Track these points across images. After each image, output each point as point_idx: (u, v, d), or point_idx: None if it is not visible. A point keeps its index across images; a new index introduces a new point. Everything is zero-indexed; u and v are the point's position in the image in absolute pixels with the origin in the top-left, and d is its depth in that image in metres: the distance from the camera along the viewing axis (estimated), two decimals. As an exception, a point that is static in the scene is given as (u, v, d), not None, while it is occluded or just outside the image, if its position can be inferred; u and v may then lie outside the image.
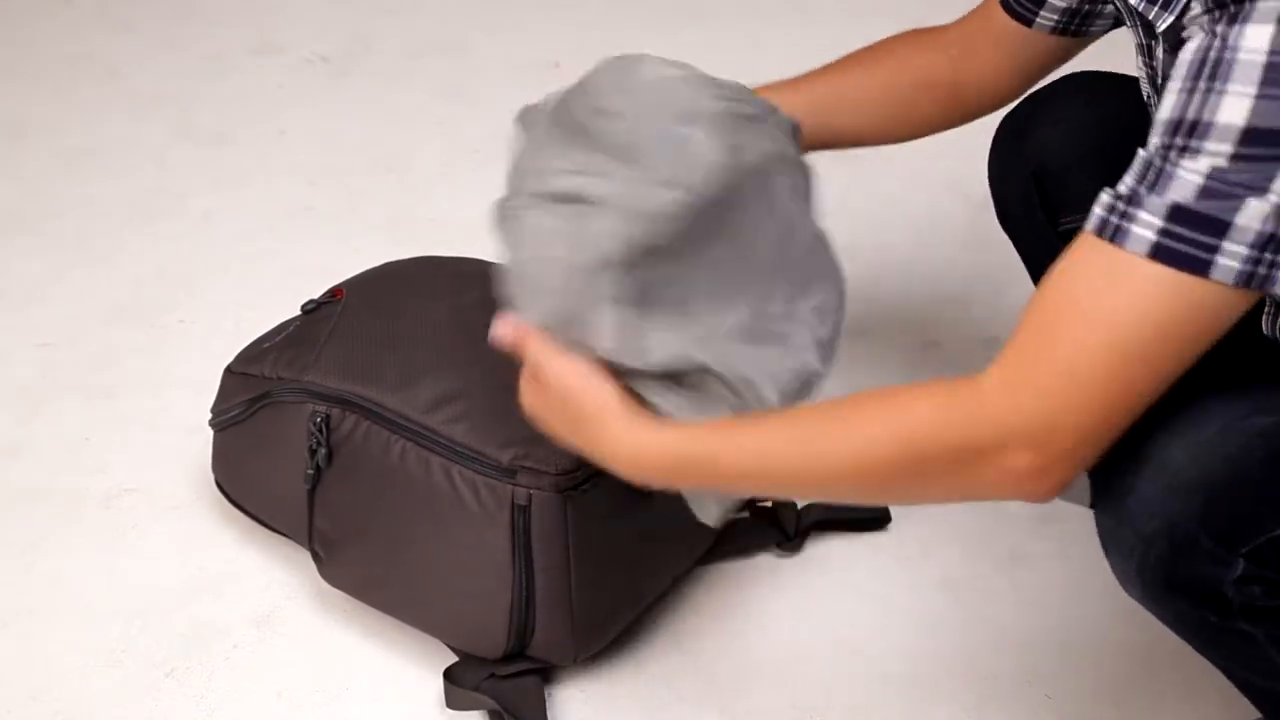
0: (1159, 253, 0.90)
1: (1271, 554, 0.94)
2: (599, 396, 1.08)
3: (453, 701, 1.29)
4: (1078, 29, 1.30)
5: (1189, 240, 0.89)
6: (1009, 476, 0.95)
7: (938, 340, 1.74)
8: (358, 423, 1.30)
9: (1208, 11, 0.90)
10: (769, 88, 1.36)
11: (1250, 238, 0.88)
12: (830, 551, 1.47)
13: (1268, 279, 0.89)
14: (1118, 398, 0.93)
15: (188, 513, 1.51)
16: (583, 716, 1.31)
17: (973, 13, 1.36)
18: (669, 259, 1.12)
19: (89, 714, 1.31)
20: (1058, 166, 1.32)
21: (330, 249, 1.88)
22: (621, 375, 1.10)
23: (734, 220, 1.16)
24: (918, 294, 1.82)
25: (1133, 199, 0.91)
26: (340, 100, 2.28)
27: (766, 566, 1.45)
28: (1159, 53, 1.05)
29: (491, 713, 1.27)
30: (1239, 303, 0.91)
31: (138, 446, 1.60)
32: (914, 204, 1.97)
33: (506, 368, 1.15)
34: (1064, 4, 1.28)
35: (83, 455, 1.60)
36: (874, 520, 1.49)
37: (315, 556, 1.37)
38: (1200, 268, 0.89)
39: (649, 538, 1.32)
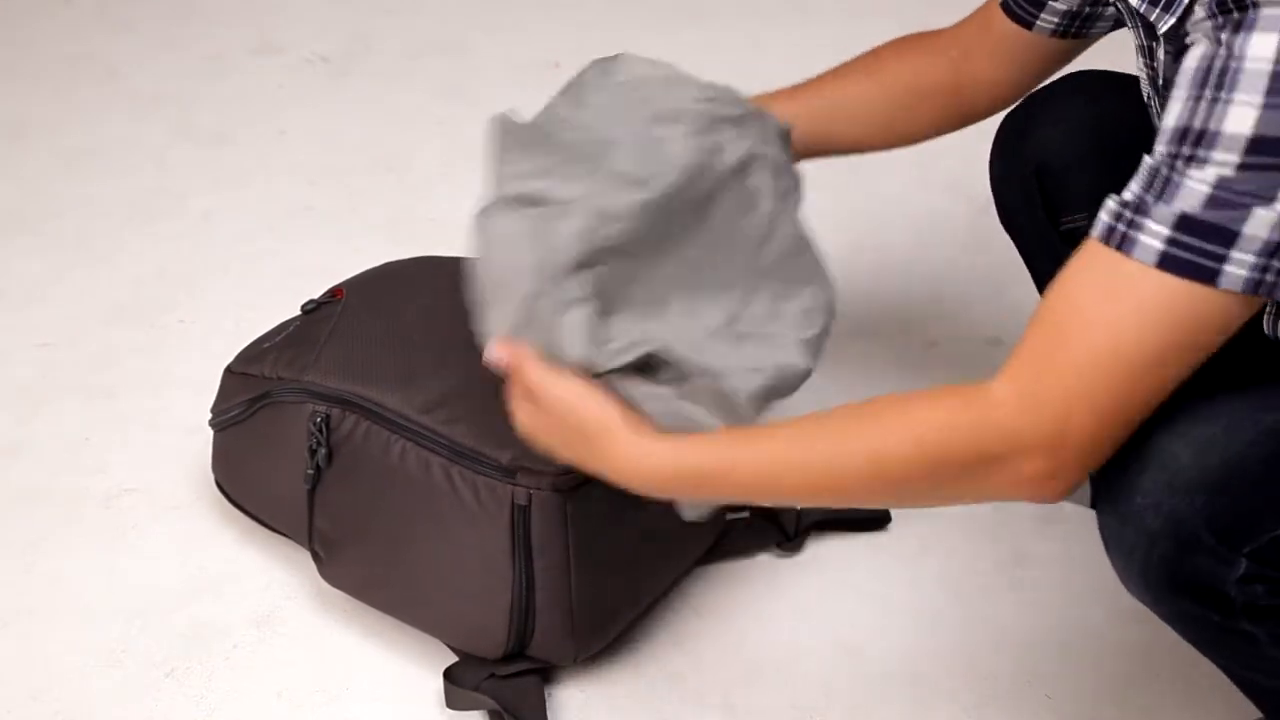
0: (1167, 262, 0.90)
1: (1274, 553, 0.94)
2: (601, 414, 1.08)
3: (453, 701, 1.29)
4: (1078, 31, 1.30)
5: (1197, 249, 0.89)
6: (1020, 482, 0.97)
7: (938, 340, 1.74)
8: (358, 423, 1.30)
9: (1211, 17, 0.90)
10: (769, 96, 1.36)
11: (1258, 246, 0.88)
12: (830, 551, 1.47)
13: (1275, 285, 0.90)
14: (1127, 404, 0.95)
15: (188, 513, 1.51)
16: (583, 716, 1.31)
17: (972, 16, 1.36)
18: (641, 259, 1.12)
19: (89, 714, 1.31)
20: (1058, 166, 1.33)
21: (330, 249, 1.88)
22: (610, 384, 1.10)
23: (713, 221, 1.16)
24: (918, 294, 1.82)
25: (1140, 207, 0.91)
26: (340, 100, 2.28)
27: (766, 566, 1.45)
28: (1160, 54, 1.05)
29: (491, 713, 1.27)
30: (1245, 309, 0.92)
31: (138, 446, 1.60)
32: (914, 204, 1.97)
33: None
34: (1064, 6, 1.28)
35: (83, 455, 1.60)
36: (874, 520, 1.49)
37: (315, 556, 1.37)
38: (1208, 276, 0.89)
39: (649, 538, 1.32)
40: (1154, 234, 0.90)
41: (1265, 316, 1.08)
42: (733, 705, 1.31)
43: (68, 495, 1.54)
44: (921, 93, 1.36)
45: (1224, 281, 0.89)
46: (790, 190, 1.22)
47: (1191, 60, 0.91)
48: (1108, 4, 1.26)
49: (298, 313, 1.46)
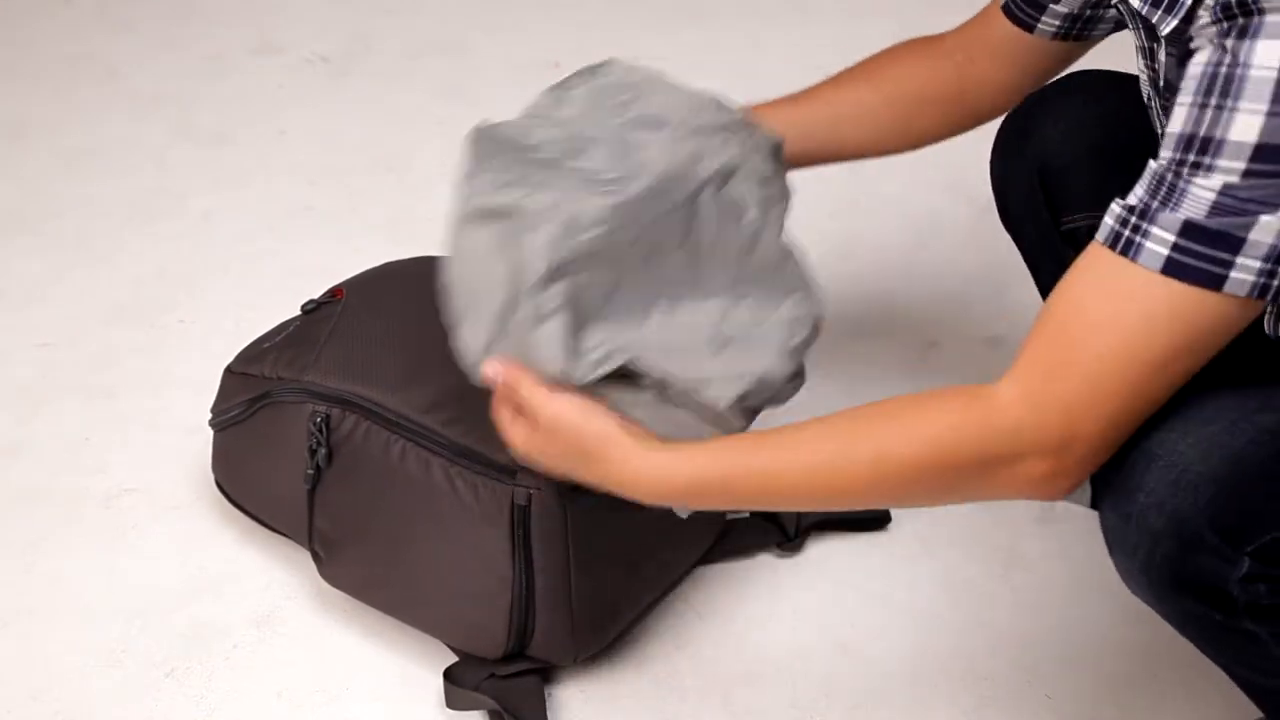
0: (1172, 268, 0.91)
1: (1277, 552, 0.94)
2: (602, 427, 1.08)
3: (453, 701, 1.29)
4: (1079, 34, 1.30)
5: (1202, 256, 0.90)
6: (1025, 481, 0.99)
7: (938, 340, 1.74)
8: (358, 423, 1.30)
9: (1216, 23, 0.90)
10: (771, 104, 1.36)
11: (1263, 251, 0.89)
12: (830, 551, 1.46)
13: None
14: (1132, 406, 0.96)
15: (188, 513, 1.51)
16: (583, 716, 1.31)
17: (973, 20, 1.36)
18: (622, 268, 1.11)
19: (89, 714, 1.31)
20: (1059, 166, 1.33)
21: (330, 249, 1.88)
22: (595, 394, 1.10)
23: (695, 231, 1.15)
24: (918, 294, 1.82)
25: (1145, 213, 0.92)
26: (340, 100, 2.28)
27: (766, 566, 1.45)
28: (1161, 56, 1.05)
29: (491, 713, 1.27)
30: (1250, 312, 0.93)
31: (138, 446, 1.60)
32: (914, 204, 1.97)
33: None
34: (1065, 9, 1.28)
35: (83, 455, 1.59)
36: (874, 520, 1.49)
37: (315, 556, 1.37)
38: (1214, 282, 0.90)
39: (649, 538, 1.32)
40: (1160, 240, 0.91)
41: (1266, 317, 1.08)
42: (733, 705, 1.31)
43: (68, 495, 1.54)
44: (925, 98, 1.36)
45: (1229, 287, 0.90)
46: (775, 200, 1.21)
47: (1196, 66, 0.91)
48: (1109, 6, 1.26)
49: (298, 313, 1.46)
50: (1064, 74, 1.36)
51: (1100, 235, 0.95)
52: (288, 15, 2.51)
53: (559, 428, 1.09)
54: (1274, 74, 0.87)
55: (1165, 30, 0.99)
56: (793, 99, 1.37)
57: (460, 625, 1.30)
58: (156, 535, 1.49)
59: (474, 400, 1.27)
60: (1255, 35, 0.88)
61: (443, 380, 1.30)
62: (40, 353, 1.74)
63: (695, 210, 1.15)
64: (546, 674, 1.31)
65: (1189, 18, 0.94)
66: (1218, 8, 0.90)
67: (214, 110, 2.24)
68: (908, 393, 1.05)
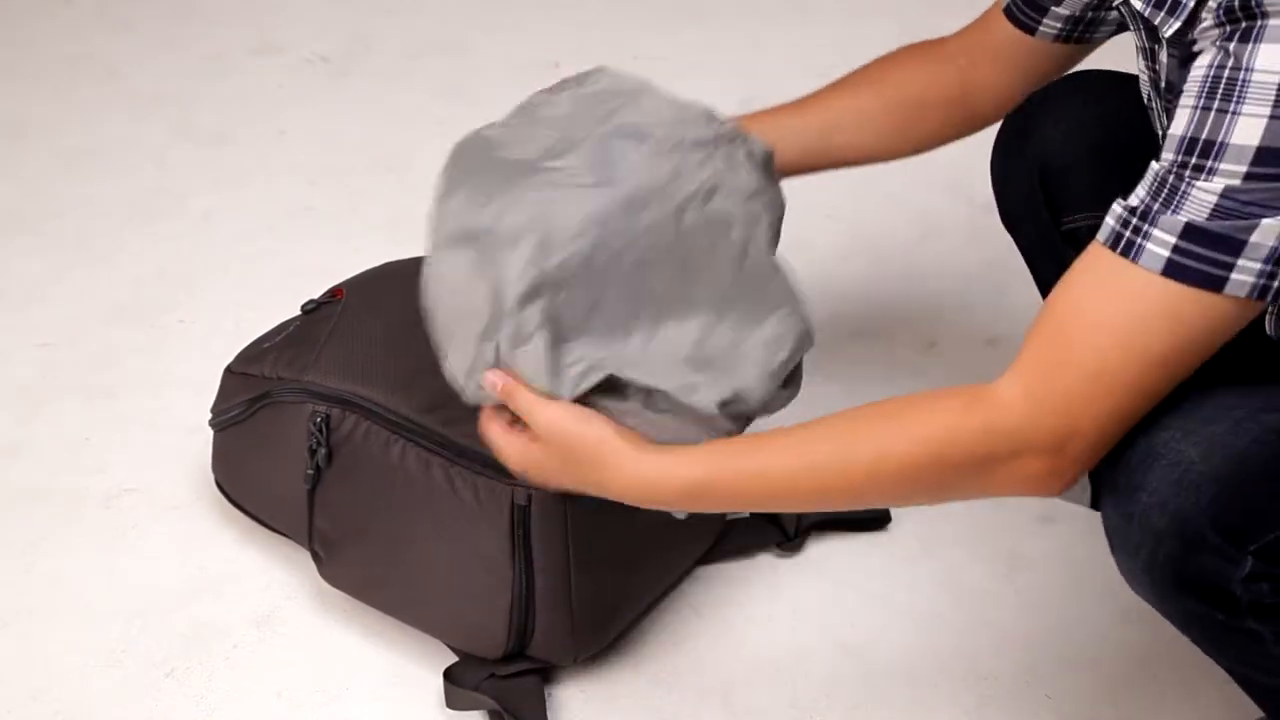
0: (1173, 270, 0.91)
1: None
2: (598, 434, 1.08)
3: (453, 701, 1.29)
4: (1081, 36, 1.30)
5: (1203, 258, 0.90)
6: (1023, 480, 0.99)
7: (937, 340, 1.74)
8: (358, 423, 1.30)
9: (1219, 25, 0.90)
10: (772, 111, 1.36)
11: (1264, 254, 0.89)
12: (830, 551, 1.46)
13: None
14: (1131, 405, 0.97)
15: (188, 513, 1.51)
16: (583, 716, 1.31)
17: (975, 23, 1.36)
18: (605, 284, 1.11)
19: (89, 714, 1.31)
20: (1059, 166, 1.33)
21: (330, 249, 1.88)
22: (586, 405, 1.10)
23: (679, 246, 1.14)
24: (918, 294, 1.82)
25: (1146, 214, 0.92)
26: (340, 100, 2.28)
27: (766, 566, 1.45)
28: (1162, 57, 1.05)
29: (491, 713, 1.27)
30: (1250, 312, 0.93)
31: (138, 446, 1.60)
32: (914, 204, 1.97)
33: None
34: (1067, 12, 1.28)
35: (83, 455, 1.59)
36: (874, 520, 1.49)
37: (315, 556, 1.37)
38: (1214, 284, 0.90)
39: (649, 538, 1.32)
40: (1160, 242, 0.91)
41: (1267, 317, 1.08)
42: (733, 705, 1.31)
43: (68, 495, 1.54)
44: (927, 103, 1.36)
45: (1230, 288, 0.90)
46: (761, 215, 1.20)
47: (1199, 69, 0.91)
48: (1110, 8, 1.26)
49: (298, 313, 1.46)
50: (1064, 74, 1.36)
51: (1101, 236, 0.95)
52: (288, 15, 2.51)
53: (555, 434, 1.10)
54: (1276, 78, 0.87)
55: (1168, 32, 0.99)
56: (792, 106, 1.37)
57: (460, 625, 1.30)
58: (156, 535, 1.49)
59: (474, 400, 1.28)
60: (1258, 39, 0.88)
61: (442, 380, 1.29)
62: (40, 353, 1.74)
63: (681, 225, 1.15)
64: (546, 674, 1.31)
65: (1192, 20, 0.95)
66: (1221, 11, 0.90)
67: (214, 110, 2.24)
68: (907, 393, 1.05)
